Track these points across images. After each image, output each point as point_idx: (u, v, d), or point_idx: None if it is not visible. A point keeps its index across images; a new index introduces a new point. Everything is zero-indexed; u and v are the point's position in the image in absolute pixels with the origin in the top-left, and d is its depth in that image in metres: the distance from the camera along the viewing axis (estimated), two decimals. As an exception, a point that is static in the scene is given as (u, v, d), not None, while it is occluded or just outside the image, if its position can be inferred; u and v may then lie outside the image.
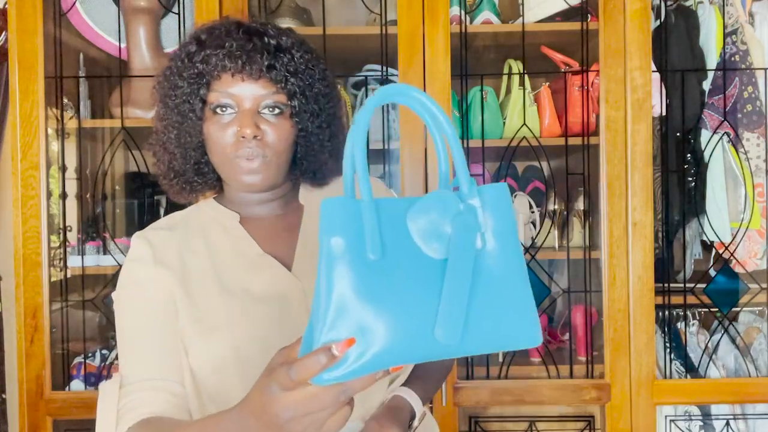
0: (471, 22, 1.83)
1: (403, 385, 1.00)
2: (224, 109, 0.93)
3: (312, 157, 1.00)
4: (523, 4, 1.83)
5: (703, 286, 1.82)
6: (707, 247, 1.92)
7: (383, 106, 1.81)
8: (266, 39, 0.94)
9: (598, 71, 1.77)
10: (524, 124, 1.81)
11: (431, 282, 0.59)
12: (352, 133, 0.59)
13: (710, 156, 1.83)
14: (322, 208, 0.58)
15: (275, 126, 0.94)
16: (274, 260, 0.98)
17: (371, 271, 0.57)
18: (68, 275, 1.77)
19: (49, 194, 1.72)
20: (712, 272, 1.87)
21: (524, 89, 1.83)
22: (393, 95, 0.60)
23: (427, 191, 1.73)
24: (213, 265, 0.98)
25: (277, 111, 0.94)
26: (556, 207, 1.96)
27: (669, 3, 1.87)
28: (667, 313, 1.87)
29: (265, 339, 0.92)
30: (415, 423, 0.95)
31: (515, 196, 1.93)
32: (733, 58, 1.84)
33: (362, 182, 0.59)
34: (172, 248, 0.99)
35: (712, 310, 1.89)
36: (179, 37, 1.79)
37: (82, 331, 1.76)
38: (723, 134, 1.83)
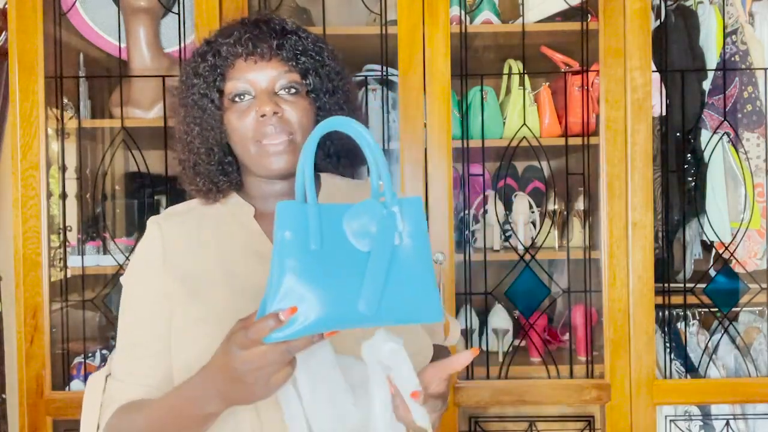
0: (471, 22, 1.83)
1: None
2: (242, 96, 0.96)
3: (334, 137, 1.02)
4: (523, 4, 1.83)
5: (703, 286, 1.82)
6: (707, 247, 1.92)
7: (383, 106, 1.82)
8: (272, 24, 0.98)
9: (598, 71, 1.77)
10: (524, 124, 1.81)
11: (358, 268, 0.76)
12: (303, 152, 0.76)
13: (710, 156, 1.83)
14: (278, 209, 0.75)
15: (294, 104, 0.96)
16: None
17: (312, 258, 0.75)
18: (68, 275, 1.77)
19: (49, 194, 1.72)
20: (712, 272, 1.87)
21: (524, 89, 1.83)
22: (337, 125, 0.78)
23: (427, 191, 1.73)
24: (222, 260, 0.98)
25: (293, 90, 0.97)
26: (556, 207, 1.96)
27: (669, 3, 1.87)
28: (667, 313, 1.87)
29: None
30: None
31: (515, 196, 1.93)
32: (733, 58, 1.84)
33: (309, 190, 0.76)
34: (182, 240, 1.00)
35: (712, 310, 1.89)
36: (179, 37, 1.79)
37: (82, 331, 1.76)
38: (723, 134, 1.83)
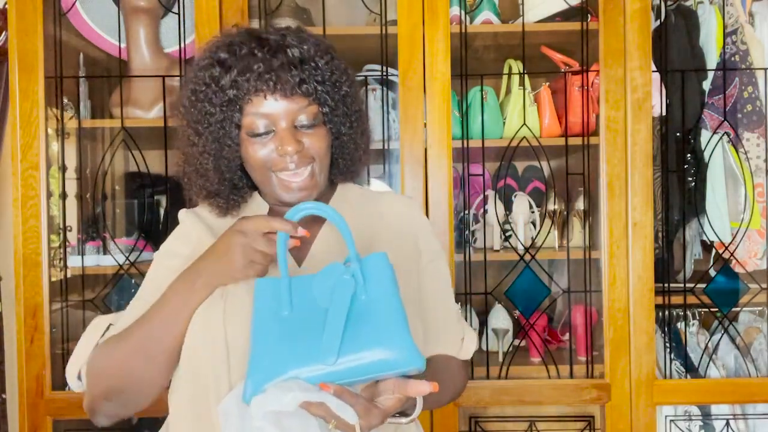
0: (471, 22, 1.83)
1: None
2: (261, 132, 0.96)
3: (347, 156, 1.05)
4: (523, 4, 1.83)
5: (703, 286, 1.82)
6: (707, 247, 1.92)
7: (383, 107, 1.82)
8: (290, 52, 0.95)
9: (598, 71, 1.77)
10: (524, 124, 1.81)
11: (323, 324, 0.83)
12: (280, 232, 0.87)
13: (710, 156, 1.83)
14: (256, 286, 0.89)
15: (313, 136, 0.97)
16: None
17: (285, 322, 0.85)
18: (68, 275, 1.77)
19: (49, 194, 1.72)
20: (712, 272, 1.87)
21: (524, 89, 1.83)
22: (310, 209, 0.88)
23: (427, 191, 1.73)
24: None
25: (311, 125, 0.97)
26: (556, 207, 1.96)
27: (669, 3, 1.87)
28: (667, 313, 1.87)
29: None
30: (405, 421, 0.93)
31: (515, 196, 1.93)
32: (733, 58, 1.84)
33: (282, 265, 0.87)
34: (205, 222, 1.04)
35: (712, 310, 1.89)
36: (179, 37, 1.79)
37: (82, 331, 1.75)
38: (723, 134, 1.83)
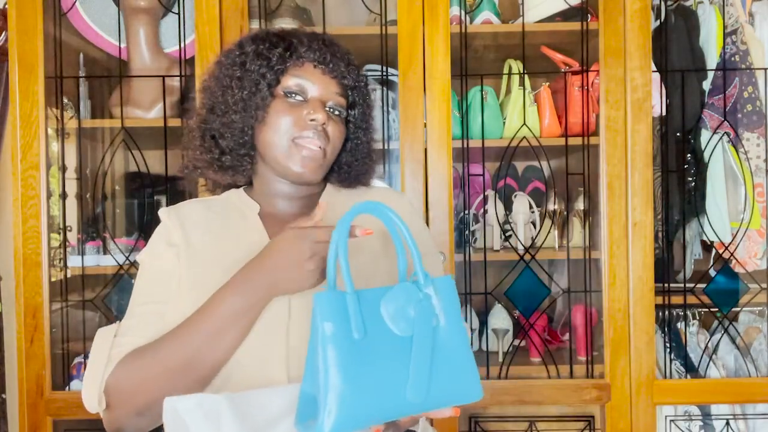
0: (471, 22, 1.83)
1: None
2: (296, 94, 1.00)
3: (356, 164, 1.10)
4: (523, 4, 1.83)
5: (703, 286, 1.82)
6: (707, 247, 1.92)
7: (383, 107, 1.82)
8: (342, 51, 1.05)
9: (598, 71, 1.77)
10: (524, 124, 1.81)
11: (399, 354, 0.76)
12: (335, 235, 0.77)
13: (710, 156, 1.83)
14: (316, 300, 0.75)
15: (335, 123, 1.02)
16: None
17: (355, 348, 0.74)
18: (68, 275, 1.77)
19: (49, 194, 1.72)
20: (712, 272, 1.87)
21: (524, 89, 1.83)
22: (371, 209, 0.79)
23: (427, 191, 1.73)
24: (221, 251, 1.00)
25: (337, 112, 1.03)
26: (556, 207, 1.96)
27: (669, 3, 1.87)
28: (667, 313, 1.87)
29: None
30: (415, 428, 0.95)
31: (515, 196, 1.93)
32: (733, 58, 1.84)
33: (345, 277, 0.76)
34: (190, 219, 1.03)
35: (712, 310, 1.89)
36: (179, 37, 1.79)
37: (82, 331, 1.76)
38: (723, 134, 1.83)
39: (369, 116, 1.10)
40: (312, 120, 0.98)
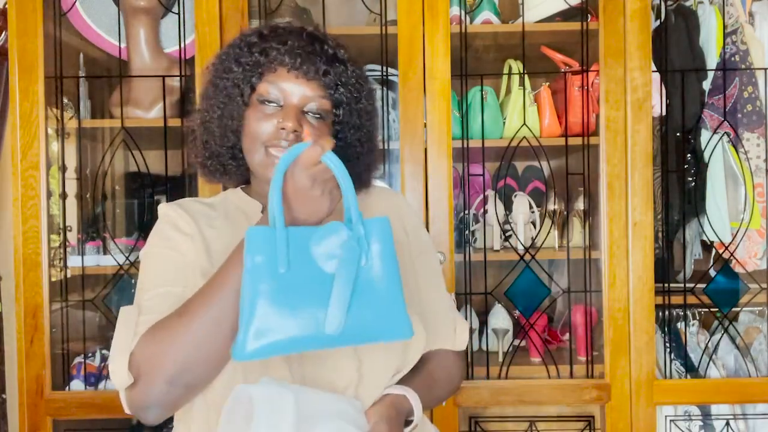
0: (471, 22, 1.83)
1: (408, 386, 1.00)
2: (270, 102, 0.97)
3: (349, 168, 1.03)
4: (523, 4, 1.83)
5: (703, 286, 1.82)
6: (707, 247, 1.92)
7: (383, 107, 1.82)
8: (325, 46, 0.99)
9: (598, 71, 1.77)
10: (524, 124, 1.81)
11: (326, 290, 0.80)
12: (275, 176, 0.82)
13: (710, 156, 1.83)
14: (247, 234, 0.81)
15: (316, 128, 0.97)
16: None
17: (282, 281, 0.80)
18: (68, 275, 1.77)
19: (49, 194, 1.72)
20: (712, 272, 1.87)
21: (524, 89, 1.83)
22: (304, 146, 0.83)
23: (427, 191, 1.73)
24: (231, 244, 0.97)
25: (318, 116, 0.98)
26: (556, 207, 1.96)
27: (669, 3, 1.87)
28: (667, 313, 1.87)
29: None
30: (409, 429, 0.96)
31: (515, 196, 1.93)
32: (733, 58, 1.84)
33: (278, 215, 0.82)
34: (196, 220, 1.01)
35: (712, 310, 1.89)
36: (179, 37, 1.79)
37: (82, 331, 1.76)
38: (723, 134, 1.83)
39: (361, 114, 1.04)
40: (282, 128, 0.95)
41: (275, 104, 0.97)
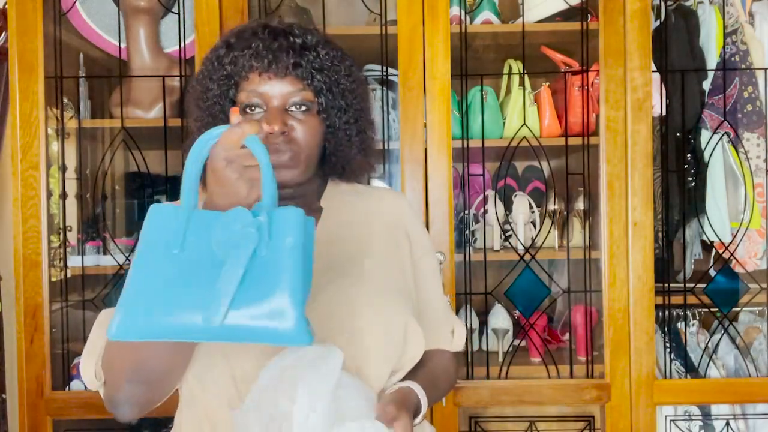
0: (471, 22, 1.83)
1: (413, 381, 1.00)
2: (253, 108, 0.96)
3: (341, 153, 1.03)
4: (523, 4, 1.83)
5: (703, 286, 1.82)
6: (707, 247, 1.92)
7: (383, 107, 1.82)
8: (291, 38, 0.97)
9: (598, 71, 1.77)
10: (524, 124, 1.81)
11: (216, 275, 0.74)
12: (190, 154, 0.78)
13: (710, 156, 1.83)
14: (150, 211, 0.78)
15: (303, 123, 0.97)
16: None
17: (172, 262, 0.75)
18: (68, 275, 1.77)
19: (49, 194, 1.72)
20: (712, 272, 1.87)
21: (524, 89, 1.83)
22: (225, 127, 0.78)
23: (427, 191, 1.73)
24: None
25: (304, 108, 0.97)
26: (556, 207, 1.96)
27: (669, 3, 1.87)
28: (667, 313, 1.87)
29: None
30: (418, 420, 0.96)
31: (515, 196, 1.93)
32: (733, 58, 1.84)
33: (185, 195, 0.78)
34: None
35: (712, 310, 1.89)
36: (179, 37, 1.79)
37: (82, 331, 1.76)
38: (723, 134, 1.83)
39: (344, 93, 1.01)
40: (270, 134, 0.94)
41: (259, 109, 0.96)
